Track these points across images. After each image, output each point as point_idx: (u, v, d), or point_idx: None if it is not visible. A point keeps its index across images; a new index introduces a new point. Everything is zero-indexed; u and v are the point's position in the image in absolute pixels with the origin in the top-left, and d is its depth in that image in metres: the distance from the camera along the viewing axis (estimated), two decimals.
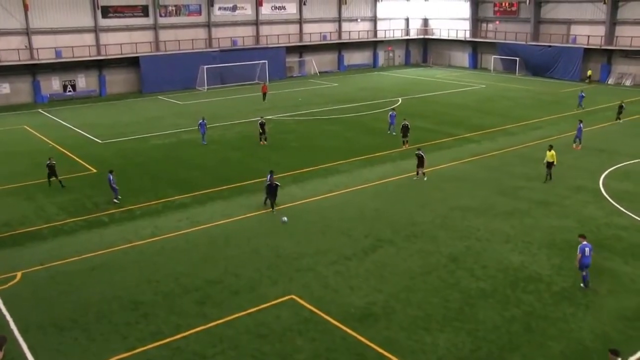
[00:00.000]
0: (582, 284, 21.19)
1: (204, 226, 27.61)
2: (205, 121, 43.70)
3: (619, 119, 49.66)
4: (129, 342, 18.29)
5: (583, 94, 55.91)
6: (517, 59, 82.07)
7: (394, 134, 43.76)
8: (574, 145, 40.36)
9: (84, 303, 20.74)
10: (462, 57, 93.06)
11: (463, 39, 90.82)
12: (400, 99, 61.49)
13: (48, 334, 18.90)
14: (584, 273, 21.14)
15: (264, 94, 62.68)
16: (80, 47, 66.65)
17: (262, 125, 42.89)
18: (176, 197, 31.61)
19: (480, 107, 57.38)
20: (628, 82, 73.08)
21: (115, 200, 30.97)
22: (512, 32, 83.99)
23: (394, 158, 38.66)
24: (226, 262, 23.75)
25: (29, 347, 18.07)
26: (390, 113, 45.74)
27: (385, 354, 17.41)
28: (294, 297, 20.79)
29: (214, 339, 18.35)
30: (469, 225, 27.15)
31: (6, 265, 23.79)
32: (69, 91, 67.74)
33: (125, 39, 69.61)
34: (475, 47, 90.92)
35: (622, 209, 29.07)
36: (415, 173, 33.94)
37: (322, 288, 21.46)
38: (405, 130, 41.00)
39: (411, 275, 22.34)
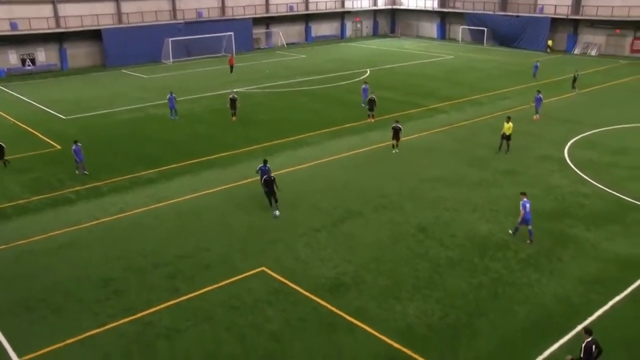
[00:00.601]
0: (510, 231, 23.69)
1: (173, 201, 27.72)
2: (174, 95, 43.34)
3: (574, 87, 50.59)
4: (100, 318, 18.44)
5: (538, 64, 56.74)
6: (485, 29, 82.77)
7: (364, 106, 43.81)
8: (535, 116, 40.88)
9: (53, 282, 20.76)
10: (430, 28, 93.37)
11: (431, 9, 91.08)
12: (368, 70, 61.71)
13: (17, 314, 18.91)
14: (529, 227, 22.95)
15: (231, 67, 62.40)
16: (38, 18, 65.22)
17: (233, 100, 42.11)
18: (144, 173, 31.59)
19: (449, 77, 57.90)
20: (593, 52, 74.36)
21: (85, 172, 31.23)
22: (480, 2, 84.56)
23: (363, 130, 39.00)
24: (196, 236, 23.95)
25: None
26: (363, 86, 45.78)
27: (356, 322, 17.87)
28: (265, 269, 21.13)
29: (186, 313, 18.61)
30: (438, 195, 27.67)
31: None
32: (28, 65, 66.50)
33: (86, 11, 68.36)
34: (444, 18, 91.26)
35: (585, 177, 29.89)
36: (392, 146, 34.14)
37: (293, 260, 21.83)
38: (371, 103, 41.00)
39: (380, 246, 22.81)
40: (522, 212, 22.87)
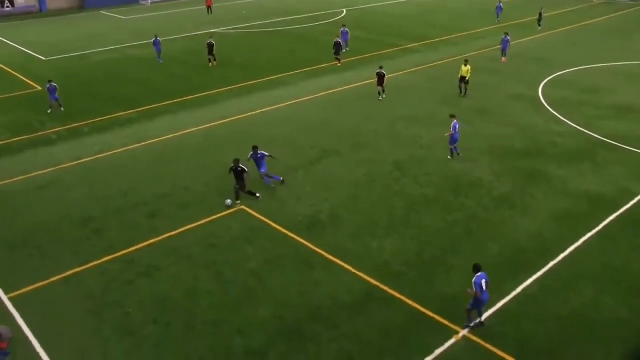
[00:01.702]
0: (449, 156, 24.47)
1: (152, 141, 27.00)
2: (159, 39, 41.21)
3: (540, 26, 50.14)
4: (81, 257, 18.05)
5: (501, 5, 54.86)
6: None
7: (347, 49, 42.39)
8: (502, 58, 39.60)
9: (35, 222, 20.27)
10: None
11: None
12: (345, 11, 60.25)
13: (1, 253, 18.48)
14: (453, 147, 24.29)
15: (209, 7, 60.52)
16: None
17: (210, 46, 39.32)
18: (123, 114, 30.69)
19: (424, 18, 56.68)
20: None
21: (62, 109, 30.78)
22: None
23: (338, 70, 38.13)
24: (175, 176, 23.38)
25: None
26: (342, 29, 43.57)
27: (333, 259, 17.61)
28: (243, 207, 20.71)
29: (166, 251, 18.24)
30: (413, 134, 27.22)
31: None
32: (7, 7, 64.03)
33: None
34: None
35: (559, 116, 29.51)
36: (378, 93, 32.05)
37: (271, 199, 21.40)
38: (337, 47, 39.03)
39: (357, 184, 22.43)
40: (451, 132, 23.97)
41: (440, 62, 39.62)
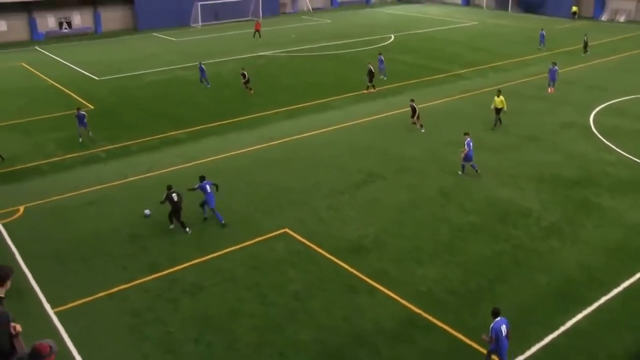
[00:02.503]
0: (460, 172, 25.17)
1: (199, 161, 27.27)
2: (202, 65, 41.06)
3: (586, 51, 49.52)
4: (127, 273, 18.26)
5: (543, 33, 53.87)
6: None
7: (384, 78, 41.76)
8: (550, 89, 38.04)
9: (83, 236, 20.66)
10: None
11: None
12: (392, 36, 60.33)
13: (50, 266, 18.89)
14: (471, 164, 24.89)
15: (257, 31, 61.30)
16: None
17: (244, 75, 38.82)
18: (171, 133, 31.16)
19: (472, 43, 56.35)
20: (622, 19, 71.17)
21: (90, 135, 30.33)
22: None
23: (385, 94, 38.09)
24: (221, 196, 23.40)
25: (34, 278, 18.10)
26: (378, 57, 42.86)
27: (376, 285, 17.39)
28: (287, 230, 20.68)
29: (210, 271, 18.30)
30: (459, 160, 26.86)
31: (9, 199, 23.64)
32: (65, 28, 66.12)
33: None
34: None
35: (611, 145, 28.80)
36: (418, 125, 30.89)
37: (315, 221, 21.35)
38: (370, 75, 38.34)
39: (402, 209, 22.22)
40: (465, 149, 24.55)
41: (488, 89, 39.09)
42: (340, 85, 40.36)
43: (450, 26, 67.73)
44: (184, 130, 31.55)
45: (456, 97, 37.44)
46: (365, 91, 38.41)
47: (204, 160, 27.38)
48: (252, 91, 38.77)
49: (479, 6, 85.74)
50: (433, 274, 17.96)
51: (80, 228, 21.27)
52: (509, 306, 16.00)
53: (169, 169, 26.44)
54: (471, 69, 45.10)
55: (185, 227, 20.77)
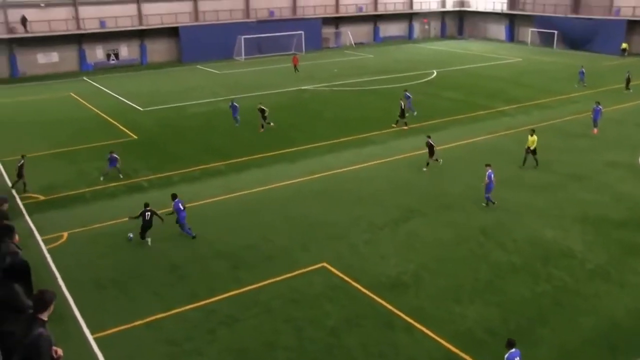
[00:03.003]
0: (484, 203, 25.71)
1: (240, 193, 27.67)
2: (235, 104, 40.17)
3: (629, 88, 48.98)
4: (165, 302, 18.52)
5: (583, 70, 53.28)
6: (555, 32, 79.80)
7: (414, 113, 41.47)
8: (594, 129, 36.83)
9: (123, 264, 21.11)
10: (499, 30, 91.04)
11: (500, 11, 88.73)
12: (435, 72, 60.55)
13: (91, 292, 19.35)
14: (487, 195, 25.44)
15: (295, 66, 62.06)
16: (123, 17, 66.99)
17: (262, 111, 38.37)
18: (213, 165, 31.71)
19: (516, 80, 56.17)
20: None
21: (121, 176, 29.98)
22: (551, 4, 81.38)
23: (426, 130, 37.93)
24: (260, 228, 23.80)
25: (75, 303, 18.53)
26: (405, 93, 42.26)
27: (413, 322, 17.30)
28: (325, 264, 20.77)
29: (248, 303, 18.45)
30: (500, 197, 26.62)
31: (54, 225, 24.35)
32: (112, 60, 68.27)
33: (165, 9, 69.79)
34: (512, 20, 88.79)
35: None
36: (426, 164, 30.54)
37: (354, 256, 21.40)
38: (402, 111, 38.43)
39: (441, 246, 22.14)
40: (486, 180, 25.23)
41: (531, 126, 38.69)
42: (381, 120, 40.55)
43: (494, 62, 67.70)
44: (226, 162, 32.06)
45: (499, 134, 37.29)
46: (394, 125, 38.61)
47: (244, 192, 27.75)
48: (262, 129, 37.94)
49: (524, 42, 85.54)
50: (472, 313, 17.80)
51: (121, 256, 21.75)
52: (551, 348, 15.76)
53: (210, 200, 26.87)
54: (515, 106, 44.90)
55: (145, 238, 22.57)
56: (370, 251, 21.83)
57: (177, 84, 56.52)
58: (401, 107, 38.44)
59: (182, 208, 22.94)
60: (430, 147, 30.42)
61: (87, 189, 28.52)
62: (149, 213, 22.49)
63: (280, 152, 33.79)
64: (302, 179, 29.40)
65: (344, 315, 17.79)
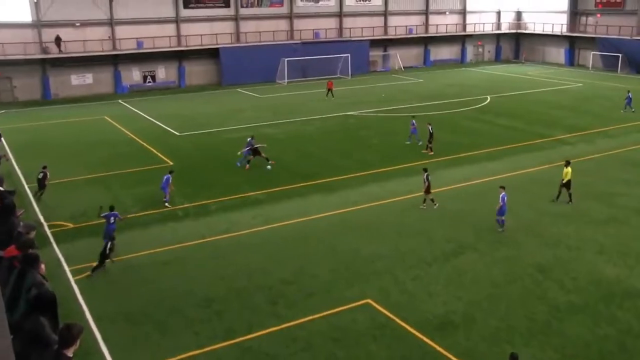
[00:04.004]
0: (500, 229, 26.33)
1: (280, 224, 27.90)
2: (253, 140, 37.16)
3: None
4: (200, 338, 18.70)
5: (630, 95, 52.73)
6: (620, 55, 78.90)
7: (419, 143, 41.11)
8: None
9: (156, 297, 21.36)
10: (558, 53, 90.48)
11: (559, 33, 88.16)
12: (489, 97, 60.34)
13: (121, 326, 19.58)
14: (503, 218, 26.21)
15: (330, 90, 62.47)
16: (161, 37, 68.68)
17: (254, 149, 36.47)
18: (252, 193, 32.06)
19: (577, 106, 55.65)
20: None
21: (166, 204, 30.28)
22: (615, 25, 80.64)
23: (480, 159, 37.99)
24: (301, 261, 23.93)
25: (103, 339, 18.75)
26: (412, 120, 42.21)
27: None
28: (369, 301, 20.75)
29: (286, 340, 18.53)
30: (559, 232, 26.38)
31: (84, 255, 24.57)
32: (149, 82, 69.92)
33: (205, 30, 71.26)
34: (573, 43, 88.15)
35: None
36: (423, 201, 29.66)
37: (400, 293, 21.35)
38: (430, 135, 39.03)
39: (494, 284, 21.93)
40: (500, 203, 26.02)
41: (593, 156, 38.44)
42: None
43: (552, 87, 67.19)
44: (265, 191, 32.39)
45: (557, 164, 36.70)
46: (424, 151, 39.16)
47: (284, 223, 27.98)
48: (247, 166, 36.32)
49: (584, 66, 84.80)
50: (527, 356, 17.52)
51: (153, 288, 22.01)
52: None
53: (248, 231, 27.14)
54: (575, 134, 44.44)
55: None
56: (418, 288, 21.74)
57: (216, 107, 57.56)
58: (429, 131, 39.08)
59: (112, 221, 23.75)
60: (428, 184, 29.39)
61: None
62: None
63: (322, 181, 33.97)
64: (344, 210, 29.50)
65: (389, 355, 17.72)
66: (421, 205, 29.61)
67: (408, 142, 41.67)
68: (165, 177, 30.77)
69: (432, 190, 29.47)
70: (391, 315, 19.81)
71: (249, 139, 37.21)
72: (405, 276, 22.53)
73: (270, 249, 25.20)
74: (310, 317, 19.78)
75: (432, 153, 38.82)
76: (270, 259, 24.20)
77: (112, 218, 23.86)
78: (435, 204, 29.46)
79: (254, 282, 22.23)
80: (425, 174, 29.60)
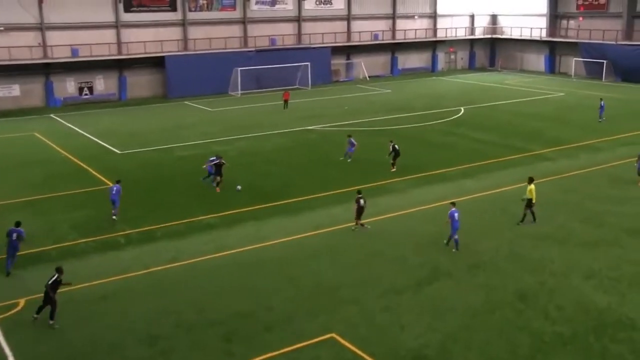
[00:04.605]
0: (454, 249, 27.20)
1: (233, 251, 27.67)
2: (220, 159, 36.72)
3: None
4: None
5: (603, 104, 54.64)
6: (605, 61, 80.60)
7: (349, 160, 42.20)
8: None
9: (95, 336, 20.88)
10: (537, 60, 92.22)
11: (538, 38, 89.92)
12: (462, 109, 61.06)
13: None
14: (456, 237, 27.13)
15: (286, 102, 62.74)
16: (99, 44, 68.06)
17: (218, 166, 36.26)
18: (202, 217, 31.80)
19: (558, 118, 56.65)
20: None
21: (114, 217, 31.31)
22: (599, 29, 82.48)
23: (453, 177, 38.29)
24: (258, 292, 23.72)
25: None
26: (348, 139, 42.81)
27: None
28: (334, 335, 20.60)
29: None
30: (542, 256, 26.62)
31: (8, 291, 24.06)
32: (86, 94, 69.18)
33: (149, 36, 70.86)
34: (553, 49, 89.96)
35: None
36: (355, 226, 30.05)
37: (368, 325, 21.25)
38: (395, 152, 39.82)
39: (472, 314, 21.97)
40: (449, 220, 27.11)
41: (577, 172, 39.02)
42: (401, 165, 40.65)
43: (531, 97, 68.34)
44: (217, 214, 32.14)
45: (537, 181, 37.13)
46: (393, 169, 39.73)
47: (238, 250, 27.75)
48: (218, 189, 36.15)
49: (566, 74, 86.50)
50: None
51: (92, 326, 21.51)
52: None
53: (198, 259, 26.83)
54: (556, 148, 45.12)
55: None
56: (388, 319, 21.67)
57: (162, 122, 57.17)
58: (392, 149, 39.85)
59: (14, 237, 24.80)
60: (360, 209, 29.59)
61: (52, 246, 28.46)
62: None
63: (281, 202, 33.85)
64: (305, 234, 29.41)
65: None
66: (353, 227, 29.89)
67: (343, 159, 42.34)
68: (115, 187, 31.35)
69: (403, 211, 29.64)
70: (358, 351, 19.67)
71: (212, 158, 37.16)
72: (373, 306, 22.44)
73: (223, 279, 24.93)
74: (269, 355, 19.55)
75: (394, 169, 39.48)
76: (223, 291, 23.93)
77: (14, 234, 24.22)
78: (366, 228, 29.80)
79: (205, 317, 21.92)
80: (359, 196, 29.69)
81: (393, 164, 39.87)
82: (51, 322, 21.40)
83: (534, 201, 30.09)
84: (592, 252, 27.12)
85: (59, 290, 21.66)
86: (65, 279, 22.10)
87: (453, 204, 27.82)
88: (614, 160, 41.54)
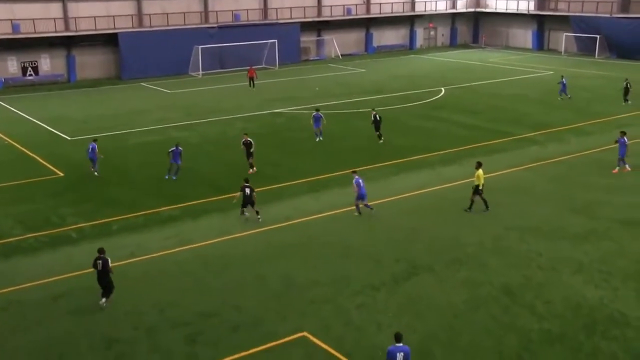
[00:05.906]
0: (356, 213, 30.10)
1: (197, 245, 27.77)
2: (179, 148, 37.01)
3: (627, 100, 52.88)
4: None
5: (564, 81, 55.87)
6: (598, 37, 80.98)
7: (320, 138, 43.80)
8: (615, 169, 36.61)
9: (45, 341, 20.82)
10: (524, 36, 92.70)
11: (526, 12, 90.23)
12: (443, 90, 61.44)
13: None
14: (365, 203, 29.85)
15: (251, 79, 62.68)
16: (44, 20, 67.30)
17: (247, 145, 37.67)
18: (163, 209, 31.83)
19: (547, 99, 57.19)
20: None
21: (95, 173, 34.03)
22: (592, 1, 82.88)
23: (433, 163, 38.64)
24: (224, 290, 23.83)
25: None
26: (314, 114, 44.02)
27: None
28: (306, 334, 20.80)
29: None
30: (529, 249, 26.99)
31: None
32: (30, 75, 68.46)
33: (100, 11, 70.26)
34: (541, 23, 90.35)
35: None
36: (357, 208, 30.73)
37: (342, 324, 21.46)
38: (377, 123, 42.61)
39: (455, 312, 22.27)
40: (356, 189, 29.44)
41: (566, 157, 39.49)
42: (375, 151, 41.03)
43: (518, 77, 68.87)
44: (179, 205, 32.19)
45: (524, 167, 37.76)
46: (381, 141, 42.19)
47: (203, 244, 27.85)
48: (253, 170, 37.15)
49: (556, 51, 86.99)
50: None
51: (41, 330, 21.44)
52: None
53: (159, 254, 26.91)
54: (544, 132, 45.60)
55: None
56: (364, 317, 21.89)
57: (115, 106, 56.85)
58: (375, 119, 42.53)
59: None
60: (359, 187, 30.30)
61: None
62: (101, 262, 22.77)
63: None
64: (274, 226, 29.58)
65: None
66: (355, 213, 30.64)
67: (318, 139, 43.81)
68: (91, 145, 34.28)
69: (379, 201, 30.06)
70: (332, 351, 19.88)
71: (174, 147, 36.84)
72: (348, 304, 22.67)
73: (186, 277, 25.00)
74: (236, 356, 19.70)
75: (382, 141, 42.06)
76: (187, 289, 24.01)
77: None
78: (372, 209, 30.69)
79: (167, 317, 22.00)
80: (356, 177, 30.40)
81: (379, 136, 41.90)
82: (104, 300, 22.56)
83: (480, 187, 30.36)
84: (582, 244, 27.45)
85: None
86: (11, 281, 22.07)
87: (355, 171, 30.65)
88: (606, 144, 41.14)
